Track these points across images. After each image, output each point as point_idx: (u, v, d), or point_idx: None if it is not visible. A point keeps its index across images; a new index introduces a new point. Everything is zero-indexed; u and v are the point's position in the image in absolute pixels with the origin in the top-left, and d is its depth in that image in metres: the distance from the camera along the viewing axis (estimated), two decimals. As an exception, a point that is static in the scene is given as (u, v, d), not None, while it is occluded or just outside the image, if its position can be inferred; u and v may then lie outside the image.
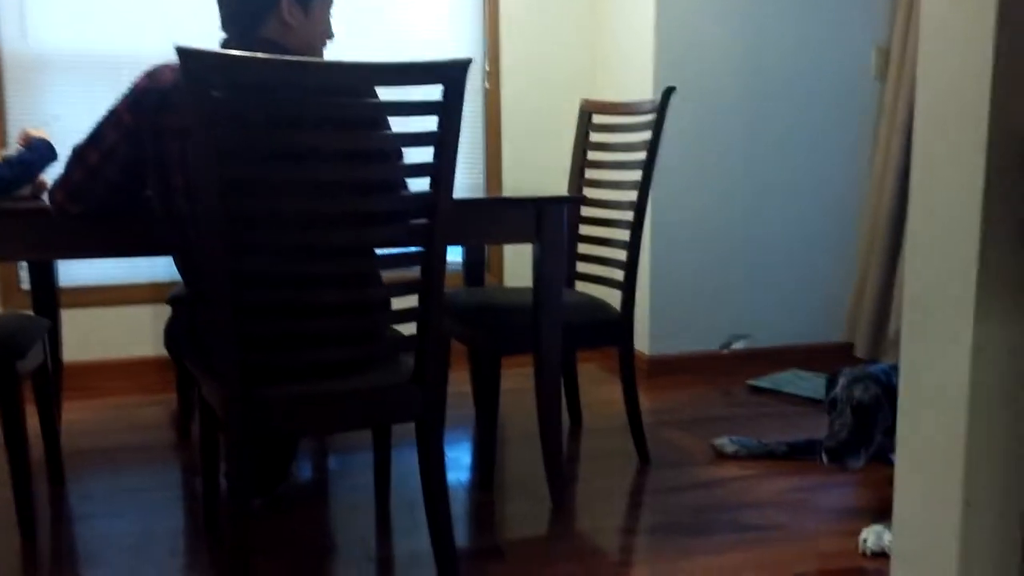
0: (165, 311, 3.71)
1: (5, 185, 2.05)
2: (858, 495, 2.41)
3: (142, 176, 1.82)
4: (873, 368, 2.38)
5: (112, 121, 1.78)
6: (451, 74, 1.69)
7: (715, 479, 2.54)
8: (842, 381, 2.36)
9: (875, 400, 2.29)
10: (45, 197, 2.06)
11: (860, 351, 3.85)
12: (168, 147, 1.73)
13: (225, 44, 1.85)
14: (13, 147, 2.22)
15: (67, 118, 3.53)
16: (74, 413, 3.24)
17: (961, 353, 1.25)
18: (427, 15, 3.92)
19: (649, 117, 2.63)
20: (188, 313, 1.89)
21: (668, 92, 2.51)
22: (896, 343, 3.72)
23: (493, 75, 4.02)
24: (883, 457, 2.62)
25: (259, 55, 1.57)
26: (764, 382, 3.55)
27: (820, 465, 2.62)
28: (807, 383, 3.53)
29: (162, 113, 1.72)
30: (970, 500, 1.26)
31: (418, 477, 2.49)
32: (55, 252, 1.96)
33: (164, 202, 1.77)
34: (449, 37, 3.97)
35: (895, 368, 2.29)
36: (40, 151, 2.12)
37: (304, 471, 2.64)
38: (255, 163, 1.64)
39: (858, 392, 2.30)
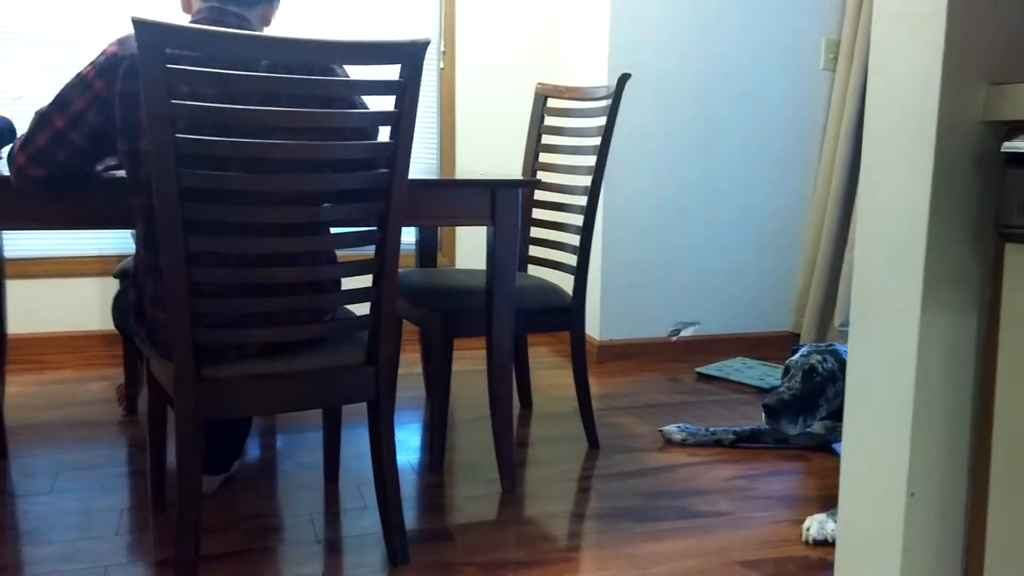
0: (111, 284, 3.65)
1: None
2: (803, 484, 2.46)
3: (108, 142, 1.79)
4: (839, 346, 2.42)
5: (79, 86, 1.75)
6: (410, 54, 1.69)
7: (663, 466, 2.57)
8: (804, 350, 2.40)
9: (829, 373, 2.32)
10: (3, 164, 2.02)
11: (805, 340, 3.92)
12: (137, 113, 1.71)
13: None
14: None
15: (26, 94, 3.45)
16: (17, 387, 3.18)
17: (907, 345, 1.28)
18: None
19: (604, 103, 2.64)
20: (137, 288, 1.87)
21: (623, 79, 2.52)
22: (841, 334, 3.80)
23: (448, 55, 4.00)
24: (828, 447, 2.68)
25: (213, 28, 1.55)
26: (711, 369, 3.60)
27: (766, 450, 2.67)
28: (754, 371, 3.59)
29: (131, 79, 1.70)
30: (915, 491, 1.29)
31: (367, 457, 2.49)
32: (9, 223, 1.92)
33: (132, 166, 1.75)
34: (404, 15, 3.94)
35: None
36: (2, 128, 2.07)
37: (252, 449, 2.62)
38: (207, 137, 1.62)
39: (814, 360, 2.33)
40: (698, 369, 3.62)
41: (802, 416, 2.30)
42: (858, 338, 1.39)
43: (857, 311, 1.39)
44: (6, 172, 1.86)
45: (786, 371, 2.41)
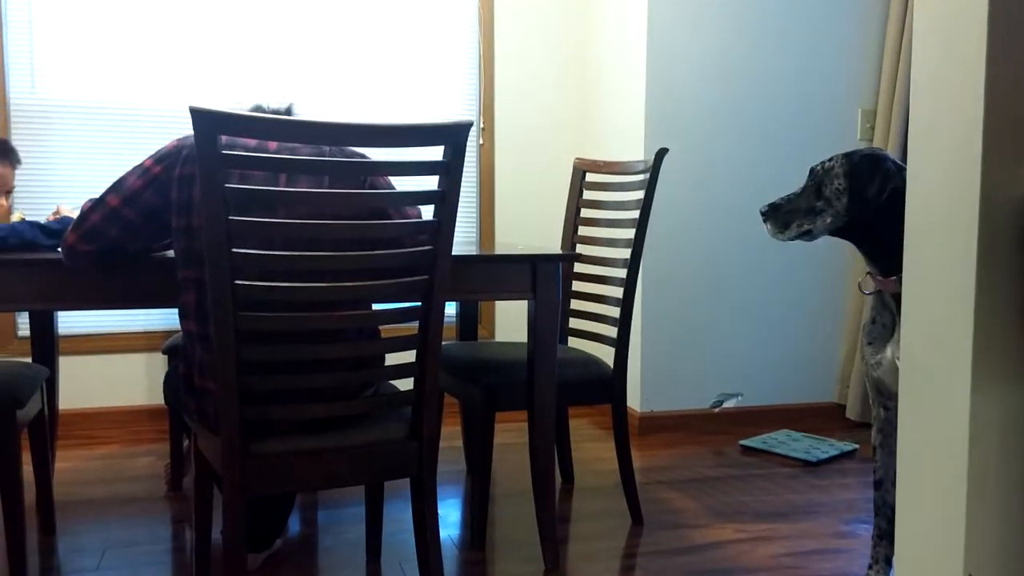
0: (158, 359, 3.71)
1: (30, 247, 2.08)
2: (855, 563, 2.41)
3: (160, 223, 1.85)
4: (879, 150, 2.01)
5: (137, 171, 1.84)
6: (454, 135, 1.73)
7: (709, 542, 2.53)
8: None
9: (828, 168, 2.01)
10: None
11: (851, 412, 3.86)
12: (192, 192, 1.78)
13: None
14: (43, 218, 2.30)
15: (71, 169, 3.57)
16: (67, 462, 3.22)
17: (959, 420, 1.27)
18: (425, 74, 3.99)
19: (642, 177, 2.67)
20: (187, 358, 1.90)
21: (661, 153, 2.55)
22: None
23: (487, 131, 4.08)
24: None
25: (263, 115, 1.61)
26: (756, 442, 3.56)
27: (815, 526, 2.62)
28: (799, 443, 3.54)
29: (190, 163, 1.78)
30: (971, 571, 1.26)
31: (410, 533, 2.47)
32: (66, 303, 1.97)
33: (187, 241, 1.80)
34: (445, 94, 4.03)
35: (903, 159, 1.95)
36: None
37: (294, 525, 2.62)
38: (258, 218, 1.66)
39: (833, 161, 2.01)
40: (742, 442, 3.57)
41: (795, 222, 2.02)
42: (908, 411, 1.38)
43: (906, 384, 1.38)
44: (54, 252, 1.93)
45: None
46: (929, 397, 1.32)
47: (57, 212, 2.30)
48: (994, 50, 1.21)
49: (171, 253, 2.06)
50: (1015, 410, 1.26)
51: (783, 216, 2.04)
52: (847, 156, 1.97)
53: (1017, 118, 1.22)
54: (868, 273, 2.03)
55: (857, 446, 3.52)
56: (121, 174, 1.87)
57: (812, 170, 2.03)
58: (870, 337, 2.04)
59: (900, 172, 1.91)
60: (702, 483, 3.07)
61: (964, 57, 1.25)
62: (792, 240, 2.06)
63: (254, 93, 3.72)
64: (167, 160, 1.82)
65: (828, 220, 1.98)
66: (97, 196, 1.86)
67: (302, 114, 2.04)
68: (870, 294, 2.04)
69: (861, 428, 3.83)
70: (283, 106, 2.05)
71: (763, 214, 2.07)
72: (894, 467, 2.04)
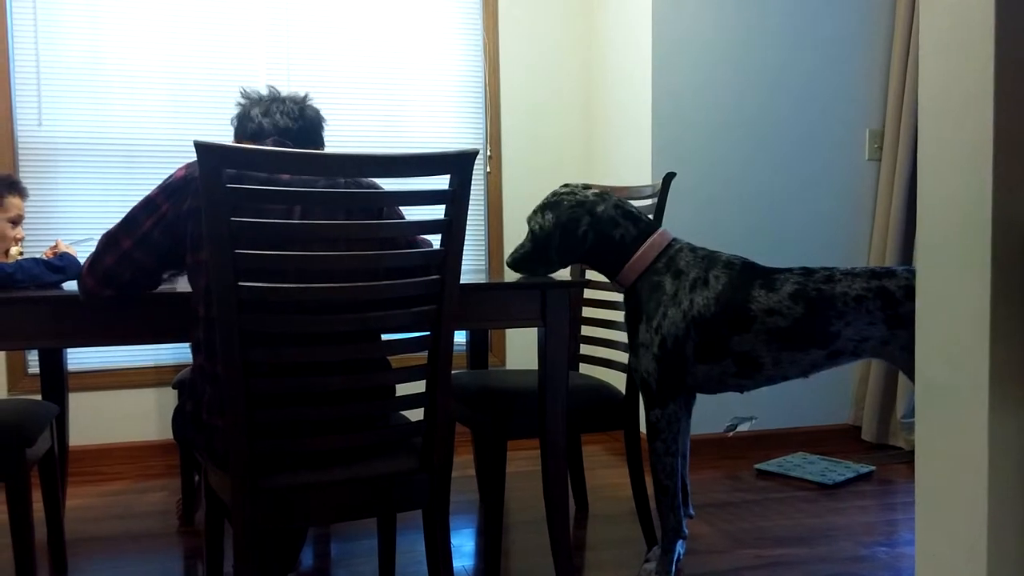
0: (168, 394, 3.71)
1: (37, 283, 2.08)
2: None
3: (173, 259, 1.85)
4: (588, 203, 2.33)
5: (147, 208, 1.83)
6: (460, 165, 1.73)
7: (727, 568, 2.50)
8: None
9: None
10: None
11: (867, 434, 3.83)
12: (200, 227, 1.77)
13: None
14: (39, 254, 2.30)
15: (78, 204, 3.59)
16: (78, 499, 3.21)
17: (978, 442, 1.25)
18: (431, 103, 4.01)
19: (650, 201, 2.67)
20: (195, 395, 1.90)
21: (669, 177, 2.55)
22: (904, 427, 3.70)
23: (495, 160, 4.09)
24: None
25: (268, 147, 1.61)
26: (771, 466, 3.52)
27: (832, 554, 2.59)
28: (815, 466, 3.50)
29: (199, 197, 1.77)
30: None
31: (423, 564, 2.45)
32: (77, 340, 1.98)
33: (196, 277, 1.80)
34: (451, 122, 4.05)
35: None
36: (71, 267, 2.15)
37: (306, 558, 2.60)
38: (265, 250, 1.66)
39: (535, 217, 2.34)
40: (757, 465, 3.54)
41: (541, 265, 2.33)
42: (925, 434, 1.36)
43: (922, 406, 1.36)
44: (70, 289, 1.92)
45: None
46: (946, 418, 1.30)
47: (56, 246, 2.30)
48: (1002, 68, 1.20)
49: (181, 287, 2.06)
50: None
51: (526, 263, 2.35)
52: (552, 209, 2.31)
53: (1027, 135, 1.21)
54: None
55: (874, 468, 3.48)
56: (130, 207, 1.87)
57: (530, 226, 2.35)
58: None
59: (593, 212, 2.27)
60: (718, 508, 3.03)
61: (972, 77, 1.24)
62: (537, 275, 2.37)
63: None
64: (176, 196, 1.81)
65: (556, 264, 2.32)
66: (111, 229, 1.86)
67: (317, 105, 2.07)
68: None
69: (877, 450, 3.79)
70: (299, 94, 2.06)
71: (514, 268, 2.38)
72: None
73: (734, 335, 2.18)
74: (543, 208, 2.32)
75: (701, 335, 2.19)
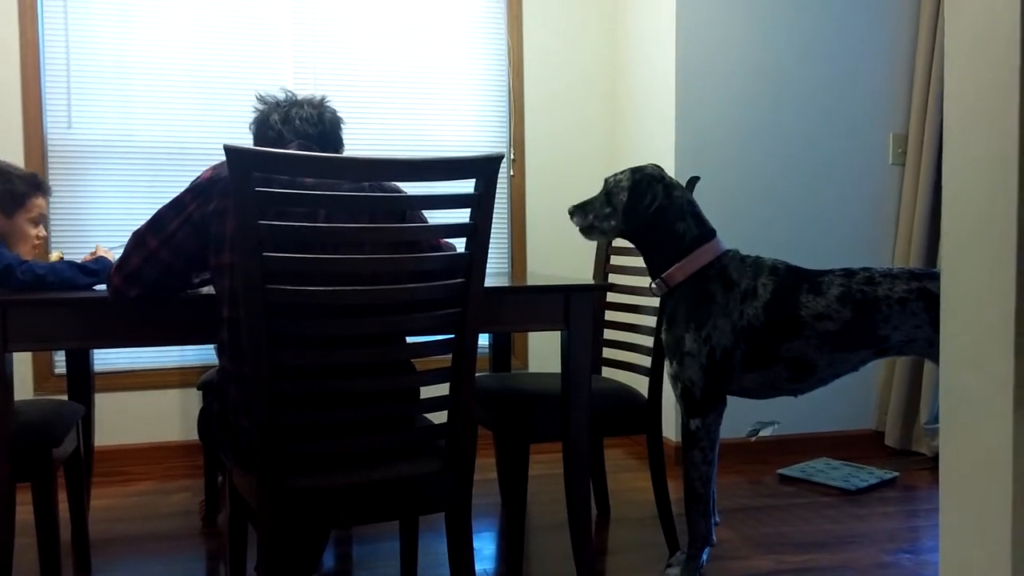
0: (192, 395, 3.73)
1: (68, 286, 2.10)
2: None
3: (200, 259, 1.86)
4: (656, 171, 2.35)
5: (175, 208, 1.84)
6: (485, 169, 1.74)
7: (750, 574, 2.49)
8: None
9: (615, 181, 2.35)
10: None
11: (890, 439, 3.80)
12: (225, 228, 1.78)
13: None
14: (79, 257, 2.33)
15: (108, 207, 3.63)
16: (102, 499, 3.24)
17: (1003, 448, 1.24)
18: (456, 107, 4.02)
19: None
20: (221, 397, 1.91)
21: (692, 181, 2.54)
22: (927, 433, 3.67)
23: (518, 163, 4.09)
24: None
25: (295, 152, 1.62)
26: (794, 471, 3.50)
27: (856, 559, 2.57)
28: (838, 472, 3.48)
29: (225, 197, 1.78)
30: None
31: (445, 567, 2.46)
32: (104, 342, 2.00)
33: (220, 279, 1.81)
34: (475, 126, 4.05)
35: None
36: (105, 270, 2.17)
37: (328, 560, 2.61)
38: (291, 253, 1.67)
39: (622, 175, 2.35)
40: (780, 471, 3.52)
41: (593, 218, 2.35)
42: (949, 440, 1.35)
43: (946, 412, 1.35)
44: (97, 291, 1.94)
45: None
46: (971, 423, 1.29)
47: (95, 252, 2.32)
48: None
49: (206, 289, 2.08)
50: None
51: (585, 213, 2.37)
52: (632, 172, 2.32)
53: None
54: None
55: (897, 474, 3.46)
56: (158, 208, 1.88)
57: (606, 180, 2.37)
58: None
59: (669, 191, 2.30)
60: (741, 513, 3.02)
61: (998, 81, 1.23)
62: (591, 236, 2.39)
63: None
64: (202, 196, 1.82)
65: (613, 223, 2.32)
66: (139, 229, 1.87)
67: (340, 106, 2.09)
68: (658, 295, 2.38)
69: (901, 456, 3.77)
70: (316, 97, 2.07)
71: (571, 212, 2.39)
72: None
73: (783, 342, 2.19)
74: (627, 169, 2.35)
75: (750, 344, 2.20)
